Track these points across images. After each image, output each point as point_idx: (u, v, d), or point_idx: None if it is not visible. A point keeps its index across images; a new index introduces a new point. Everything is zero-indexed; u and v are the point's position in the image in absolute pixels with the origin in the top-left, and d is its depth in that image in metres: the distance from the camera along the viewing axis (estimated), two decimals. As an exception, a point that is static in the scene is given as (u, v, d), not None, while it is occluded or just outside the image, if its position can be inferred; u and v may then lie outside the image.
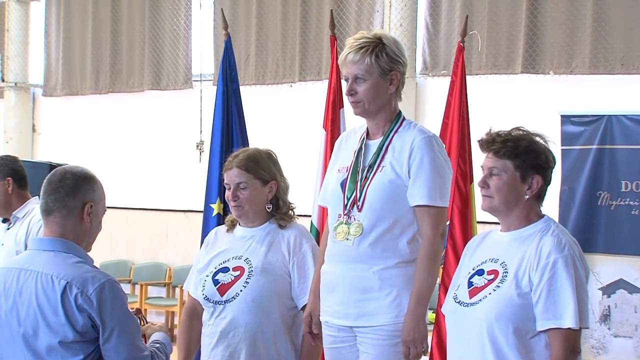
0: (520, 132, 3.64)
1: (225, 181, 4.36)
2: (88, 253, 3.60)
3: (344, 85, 7.01)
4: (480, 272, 3.61)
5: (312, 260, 4.30)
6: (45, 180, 3.54)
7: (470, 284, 3.61)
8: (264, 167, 4.33)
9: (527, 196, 3.57)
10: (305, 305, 4.28)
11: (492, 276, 3.55)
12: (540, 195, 3.61)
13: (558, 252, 3.47)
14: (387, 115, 4.16)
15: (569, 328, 3.40)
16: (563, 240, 3.51)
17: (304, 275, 4.29)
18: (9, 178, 5.88)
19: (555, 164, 3.64)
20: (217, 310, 4.28)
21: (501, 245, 3.62)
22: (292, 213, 4.42)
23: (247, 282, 4.24)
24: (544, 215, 3.64)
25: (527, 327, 3.45)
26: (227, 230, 4.46)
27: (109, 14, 12.93)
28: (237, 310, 4.24)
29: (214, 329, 4.29)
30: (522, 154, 3.56)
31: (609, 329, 6.77)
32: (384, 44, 4.08)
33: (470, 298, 3.56)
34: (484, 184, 3.60)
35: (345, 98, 6.97)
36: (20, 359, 3.42)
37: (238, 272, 4.28)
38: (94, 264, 3.57)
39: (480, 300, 3.52)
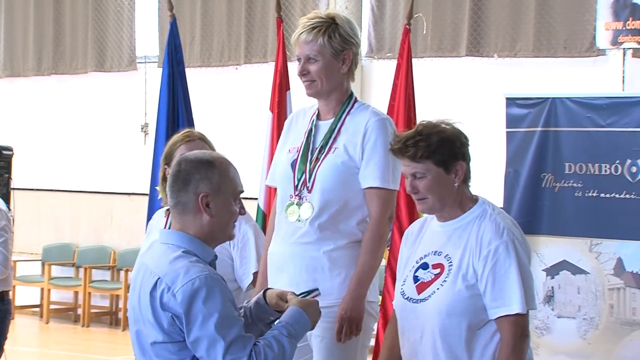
0: (426, 126, 3.55)
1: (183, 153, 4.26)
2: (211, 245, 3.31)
3: (290, 67, 7.04)
4: (424, 266, 3.58)
5: (253, 240, 4.29)
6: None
7: (416, 278, 3.58)
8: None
9: (457, 184, 3.53)
10: (250, 284, 4.26)
11: (437, 270, 3.53)
12: (466, 177, 3.57)
13: (497, 238, 3.45)
14: (339, 96, 4.15)
15: (517, 313, 3.41)
16: (501, 225, 3.49)
17: (246, 256, 4.28)
18: None
19: (468, 140, 3.58)
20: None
21: (442, 236, 3.59)
22: None
23: None
24: (477, 199, 3.61)
25: (480, 318, 3.46)
26: (166, 215, 4.40)
27: (52, -5, 12.78)
28: None
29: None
30: (437, 149, 3.49)
31: (552, 309, 6.83)
32: (337, 24, 4.07)
33: (418, 294, 3.54)
34: (414, 189, 3.55)
35: (291, 80, 7.00)
36: (136, 356, 3.26)
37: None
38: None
39: (429, 296, 3.51)
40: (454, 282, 3.47)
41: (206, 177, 3.21)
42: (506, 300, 3.41)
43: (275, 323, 3.27)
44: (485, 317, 3.45)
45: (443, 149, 3.49)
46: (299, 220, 4.05)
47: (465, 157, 3.54)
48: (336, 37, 4.06)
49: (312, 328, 3.35)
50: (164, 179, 4.34)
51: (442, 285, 3.49)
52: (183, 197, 3.22)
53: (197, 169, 3.22)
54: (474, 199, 3.60)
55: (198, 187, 3.20)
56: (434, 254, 3.58)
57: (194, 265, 3.13)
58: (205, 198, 3.20)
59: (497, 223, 3.50)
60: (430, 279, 3.54)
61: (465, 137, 3.58)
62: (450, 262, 3.51)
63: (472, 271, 3.46)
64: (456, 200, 3.55)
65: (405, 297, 3.59)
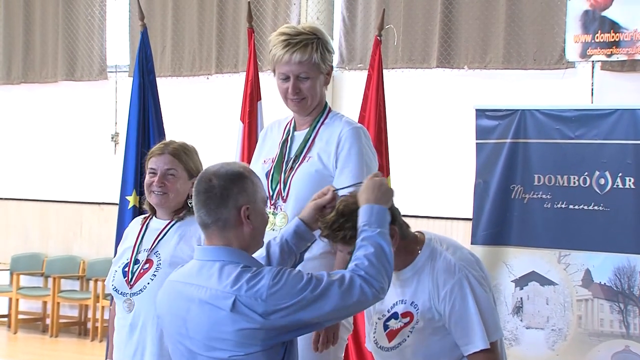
0: (346, 205, 3.44)
1: (151, 166, 4.27)
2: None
3: (262, 78, 7.04)
4: (395, 316, 3.57)
5: None
6: (193, 189, 3.29)
7: (386, 327, 3.59)
8: (193, 160, 4.29)
9: (395, 245, 3.42)
10: None
11: (407, 319, 3.53)
12: (403, 233, 3.50)
13: (451, 277, 3.45)
14: (318, 108, 4.16)
15: (482, 349, 3.41)
16: (452, 262, 3.48)
17: None
18: None
19: (392, 195, 3.44)
20: (127, 303, 4.22)
21: (402, 283, 3.58)
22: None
23: (155, 275, 4.16)
24: (423, 237, 3.58)
25: (457, 354, 3.47)
26: (142, 223, 4.38)
27: (22, 2, 12.72)
28: (144, 303, 4.14)
29: (124, 321, 4.24)
30: None
31: (521, 320, 6.87)
32: (321, 38, 4.06)
33: (389, 342, 3.55)
34: None
35: (262, 90, 7.00)
36: None
37: (148, 265, 4.23)
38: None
39: (400, 343, 3.52)
40: (423, 328, 3.48)
41: (243, 190, 3.21)
42: (470, 338, 3.42)
43: (359, 228, 3.27)
44: (461, 352, 3.47)
45: None
46: (273, 230, 4.05)
47: (394, 219, 3.44)
48: (325, 52, 4.06)
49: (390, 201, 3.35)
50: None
51: (411, 332, 3.50)
52: (224, 213, 3.19)
53: (233, 183, 3.21)
54: (420, 240, 3.57)
55: (238, 201, 3.19)
56: (401, 303, 3.57)
57: (260, 272, 3.12)
58: (247, 210, 3.19)
59: (448, 261, 3.48)
60: (399, 326, 3.54)
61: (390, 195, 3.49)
62: (417, 309, 3.51)
63: (437, 313, 3.47)
64: (402, 252, 3.49)
65: (379, 345, 3.60)
